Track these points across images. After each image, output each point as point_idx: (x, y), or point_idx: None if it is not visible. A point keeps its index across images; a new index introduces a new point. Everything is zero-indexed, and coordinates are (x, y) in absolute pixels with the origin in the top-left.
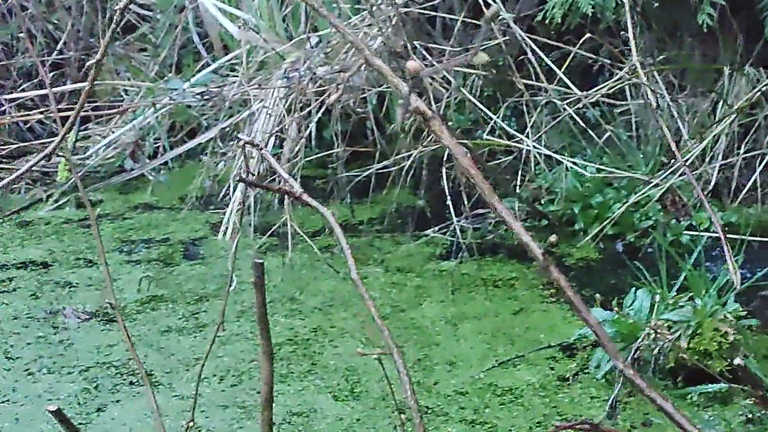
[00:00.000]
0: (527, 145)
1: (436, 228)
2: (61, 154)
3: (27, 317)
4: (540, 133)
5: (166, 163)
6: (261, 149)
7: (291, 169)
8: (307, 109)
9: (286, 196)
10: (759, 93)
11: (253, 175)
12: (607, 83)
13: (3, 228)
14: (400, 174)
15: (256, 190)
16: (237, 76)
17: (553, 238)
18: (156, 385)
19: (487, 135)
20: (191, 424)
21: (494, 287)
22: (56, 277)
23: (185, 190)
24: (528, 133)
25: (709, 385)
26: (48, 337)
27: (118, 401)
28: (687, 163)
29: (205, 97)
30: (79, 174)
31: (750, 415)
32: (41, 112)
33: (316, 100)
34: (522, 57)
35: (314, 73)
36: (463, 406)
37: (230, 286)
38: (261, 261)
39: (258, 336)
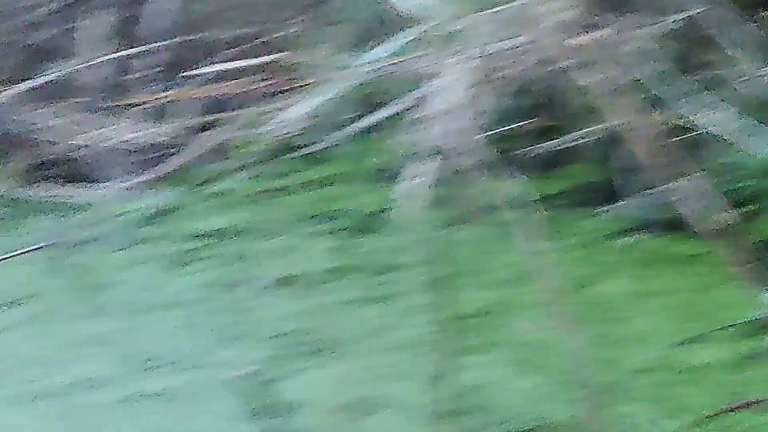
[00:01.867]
0: (711, 122)
1: (623, 202)
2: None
3: (217, 285)
4: (723, 110)
5: (350, 136)
6: (450, 117)
7: (479, 142)
8: (496, 82)
9: (473, 167)
10: None
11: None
12: None
13: (191, 197)
14: (588, 148)
15: (442, 161)
16: (424, 50)
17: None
18: (341, 355)
19: (676, 109)
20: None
21: (681, 263)
22: (244, 247)
23: (370, 162)
24: (712, 110)
25: None
26: (236, 305)
27: (302, 369)
28: None
29: (393, 71)
30: (267, 146)
31: None
32: (230, 85)
33: (506, 72)
34: (709, 32)
35: (504, 46)
36: (648, 383)
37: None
38: (445, 228)
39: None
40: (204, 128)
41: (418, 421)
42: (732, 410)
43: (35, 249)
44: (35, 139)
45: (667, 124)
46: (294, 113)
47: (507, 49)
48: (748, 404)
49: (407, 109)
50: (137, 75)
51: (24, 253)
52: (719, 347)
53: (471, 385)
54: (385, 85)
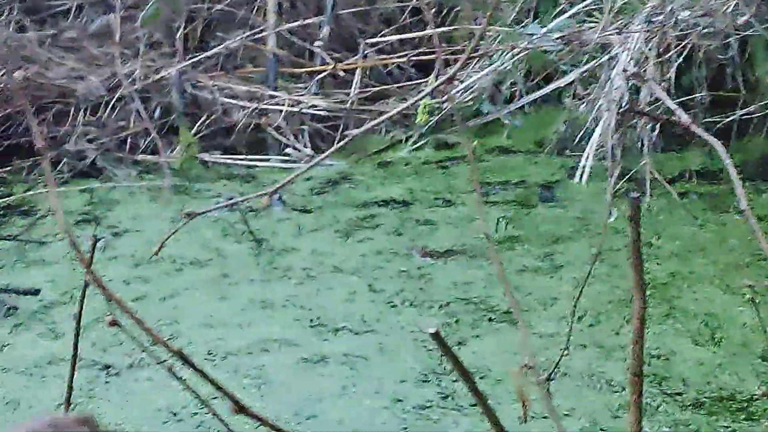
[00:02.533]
0: None
1: None
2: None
3: (390, 252)
4: None
5: (522, 107)
6: (647, 80)
7: (656, 113)
8: (668, 54)
9: (646, 140)
10: None
11: (634, 107)
12: None
13: (365, 167)
14: (764, 121)
15: (614, 133)
16: (595, 21)
17: None
18: (514, 323)
19: None
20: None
21: None
22: (416, 215)
23: (541, 134)
24: None
25: None
26: (410, 272)
27: (477, 336)
28: None
29: (564, 42)
30: (441, 115)
31: None
32: (401, 56)
33: (678, 44)
34: None
35: (676, 18)
36: None
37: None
38: (638, 196)
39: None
40: (379, 98)
41: (596, 388)
42: None
43: (222, 207)
44: (215, 106)
45: None
46: (469, 83)
47: (681, 21)
48: None
49: (582, 80)
50: (315, 44)
51: (211, 210)
52: None
53: (648, 355)
54: (560, 55)
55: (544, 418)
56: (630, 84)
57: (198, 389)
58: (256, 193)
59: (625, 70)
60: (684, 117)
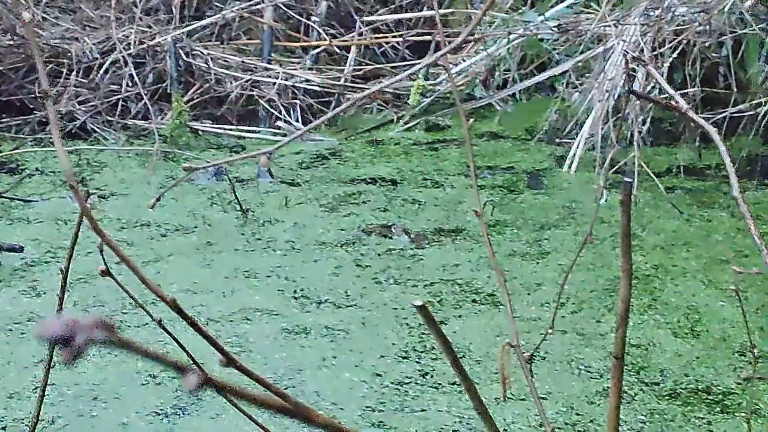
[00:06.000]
0: None
1: None
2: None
3: (374, 230)
4: None
5: (514, 94)
6: (647, 64)
7: (646, 107)
8: (663, 49)
9: (635, 132)
10: None
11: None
12: None
13: (355, 145)
14: (753, 121)
15: (605, 124)
16: (592, 12)
17: None
18: (498, 305)
19: None
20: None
21: None
22: (404, 194)
23: (532, 121)
24: None
25: None
26: (393, 250)
27: (459, 317)
28: None
29: (561, 31)
30: (432, 98)
31: None
32: (396, 36)
33: (673, 40)
34: None
35: (673, 13)
36: None
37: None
38: (630, 180)
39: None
40: (372, 77)
41: (574, 374)
42: None
43: (220, 163)
44: (209, 76)
45: None
46: (462, 67)
47: (678, 16)
48: None
49: (576, 70)
50: (312, 19)
51: (208, 167)
52: None
53: (628, 344)
54: (555, 43)
55: (522, 400)
56: (624, 74)
57: (180, 351)
58: (253, 153)
59: (626, 52)
60: (681, 102)
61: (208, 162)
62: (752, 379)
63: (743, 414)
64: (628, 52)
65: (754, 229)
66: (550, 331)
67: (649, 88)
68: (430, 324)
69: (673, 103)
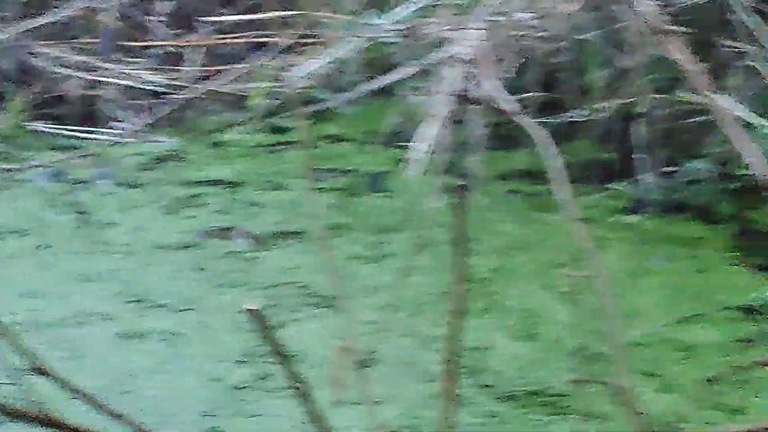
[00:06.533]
0: (722, 106)
1: (623, 182)
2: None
3: (214, 233)
4: (736, 95)
5: (357, 97)
6: (477, 66)
7: (488, 111)
8: (503, 53)
9: (475, 137)
10: None
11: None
12: None
13: (196, 147)
14: (590, 125)
15: (445, 128)
16: (435, 16)
17: None
18: (336, 309)
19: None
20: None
21: (678, 245)
22: (245, 197)
23: (373, 125)
24: (723, 94)
25: None
26: (233, 253)
27: (297, 320)
28: None
29: (404, 35)
30: (273, 101)
31: None
32: (235, 38)
33: (517, 43)
34: (726, 17)
35: (514, 18)
36: (639, 357)
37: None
38: (464, 184)
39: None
40: (214, 77)
41: (412, 377)
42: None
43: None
44: (46, 76)
45: (678, 105)
46: (305, 70)
47: (519, 21)
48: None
49: (418, 74)
50: (152, 19)
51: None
52: (712, 329)
53: (466, 347)
54: (398, 47)
55: (359, 404)
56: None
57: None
58: (82, 164)
59: (457, 58)
60: (511, 106)
61: (45, 163)
62: (581, 381)
63: (575, 416)
64: (459, 57)
65: (579, 234)
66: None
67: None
68: (262, 328)
69: (503, 107)
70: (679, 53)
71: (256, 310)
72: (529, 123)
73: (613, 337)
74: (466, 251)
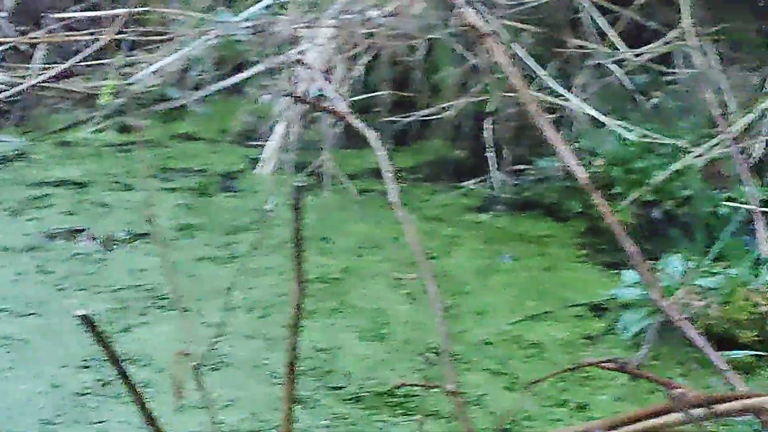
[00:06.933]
0: (573, 105)
1: (474, 180)
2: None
3: (60, 234)
4: (585, 93)
5: (209, 95)
6: (311, 68)
7: (337, 110)
8: (355, 51)
9: (327, 136)
10: None
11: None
12: (656, 43)
13: (44, 146)
14: (442, 124)
15: (297, 127)
16: (287, 14)
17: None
18: (183, 311)
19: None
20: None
21: (527, 242)
22: (92, 197)
23: (226, 123)
24: (574, 94)
25: (735, 352)
26: (83, 256)
27: (145, 323)
28: (732, 136)
29: (254, 32)
30: (123, 99)
31: None
32: (88, 34)
33: (366, 43)
34: (574, 16)
35: (365, 16)
36: (488, 355)
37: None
38: (301, 184)
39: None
40: (62, 75)
41: (259, 380)
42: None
43: None
44: None
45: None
46: (155, 68)
47: (370, 19)
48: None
49: (268, 72)
50: None
51: None
52: (559, 326)
53: (314, 348)
54: (249, 46)
55: (204, 408)
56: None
57: None
58: None
59: (299, 61)
60: (341, 106)
61: None
62: (411, 385)
63: (421, 416)
64: (299, 59)
65: (411, 236)
66: (219, 342)
67: (344, 90)
68: (95, 333)
69: (333, 108)
70: (497, 54)
71: (86, 315)
72: (360, 124)
73: (445, 341)
74: (303, 252)
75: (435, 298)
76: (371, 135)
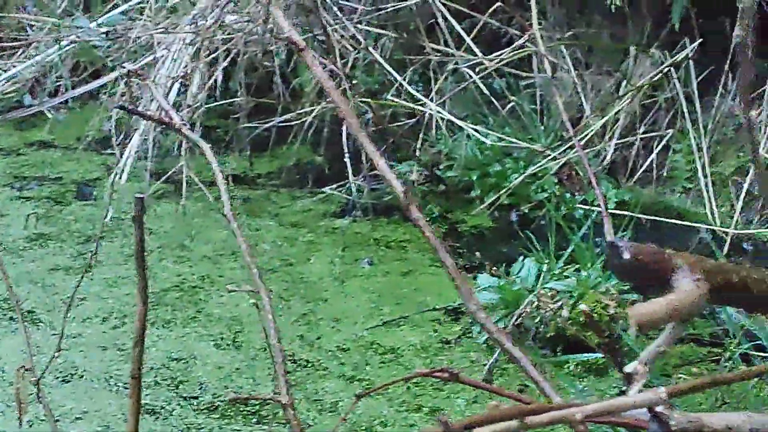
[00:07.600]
0: (430, 110)
1: (333, 186)
2: None
3: None
4: (443, 98)
5: (66, 102)
6: (144, 78)
7: (192, 116)
8: (212, 57)
9: (184, 142)
10: (661, 74)
11: (146, 110)
12: (508, 49)
13: None
14: (301, 130)
15: (153, 134)
16: (144, 19)
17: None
18: (37, 323)
19: (391, 97)
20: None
21: (385, 247)
22: None
23: (83, 130)
24: (432, 98)
25: (584, 355)
26: None
27: None
28: (585, 140)
29: (111, 38)
30: None
31: (624, 388)
32: None
33: (223, 49)
34: (433, 22)
35: (223, 22)
36: (344, 362)
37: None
38: (142, 196)
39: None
40: None
41: (111, 391)
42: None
43: None
44: None
45: (389, 108)
46: (11, 73)
47: (226, 25)
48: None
49: (124, 78)
50: None
51: None
52: (416, 331)
53: (169, 358)
54: (108, 51)
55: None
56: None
57: None
58: None
59: (123, 67)
60: (176, 118)
61: None
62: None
63: (276, 424)
64: (125, 68)
65: (244, 248)
66: (58, 354)
67: (202, 96)
68: None
69: (166, 118)
70: (313, 66)
71: None
72: (193, 135)
73: (276, 353)
74: (145, 263)
75: (269, 309)
76: (204, 145)
